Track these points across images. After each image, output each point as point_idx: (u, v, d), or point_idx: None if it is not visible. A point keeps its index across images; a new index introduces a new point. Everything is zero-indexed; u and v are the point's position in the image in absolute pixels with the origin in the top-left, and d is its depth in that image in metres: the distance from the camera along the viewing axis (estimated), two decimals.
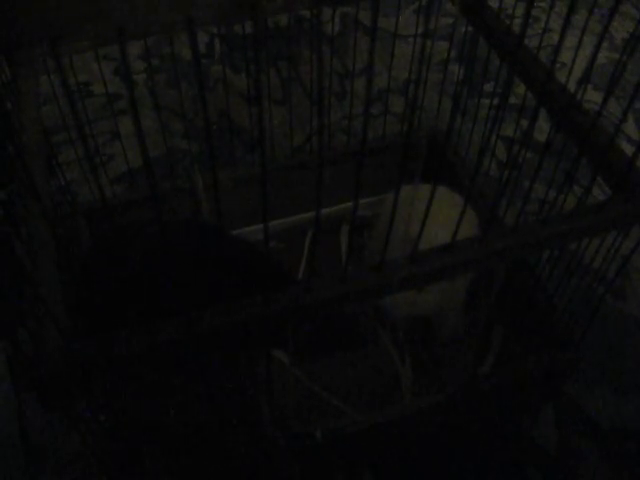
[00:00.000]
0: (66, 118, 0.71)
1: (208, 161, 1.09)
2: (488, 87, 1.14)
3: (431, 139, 0.89)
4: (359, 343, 0.76)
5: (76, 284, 0.64)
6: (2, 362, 0.80)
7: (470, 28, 0.72)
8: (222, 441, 0.66)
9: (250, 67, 1.14)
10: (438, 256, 0.47)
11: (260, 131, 0.34)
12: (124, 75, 1.20)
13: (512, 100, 1.14)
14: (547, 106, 0.61)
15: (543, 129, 1.12)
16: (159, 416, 0.66)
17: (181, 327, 0.43)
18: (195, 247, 0.67)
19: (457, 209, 0.47)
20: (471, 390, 0.66)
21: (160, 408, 0.66)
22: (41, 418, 0.77)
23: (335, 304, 0.46)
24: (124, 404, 0.53)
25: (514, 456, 0.76)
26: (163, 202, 0.84)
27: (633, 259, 0.94)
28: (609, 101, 0.45)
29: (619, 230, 0.55)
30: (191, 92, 1.20)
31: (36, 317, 0.44)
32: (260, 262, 0.71)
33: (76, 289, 0.63)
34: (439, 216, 0.57)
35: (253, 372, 0.71)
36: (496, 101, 0.66)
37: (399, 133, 0.91)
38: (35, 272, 0.50)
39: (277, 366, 0.70)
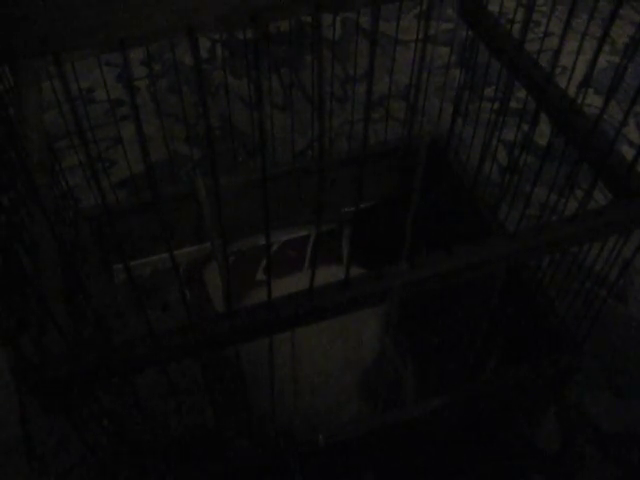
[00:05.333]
0: (68, 124, 0.71)
1: (210, 166, 1.09)
2: (489, 91, 1.15)
3: (432, 143, 0.89)
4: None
5: None
6: (5, 367, 0.80)
7: (470, 33, 0.72)
8: (225, 445, 0.66)
9: (251, 72, 1.14)
10: (439, 261, 0.47)
11: (261, 136, 0.34)
12: (126, 81, 1.21)
13: (513, 104, 1.15)
14: (548, 110, 0.61)
15: (544, 133, 1.12)
16: (162, 420, 0.66)
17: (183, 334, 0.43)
18: None
19: None
20: (473, 393, 0.66)
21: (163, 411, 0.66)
22: (44, 423, 0.77)
23: (337, 311, 0.46)
24: (127, 409, 0.53)
25: (516, 459, 0.76)
26: (165, 207, 0.84)
27: (634, 262, 0.94)
28: (610, 105, 0.45)
29: (620, 234, 0.55)
30: (193, 97, 1.20)
31: (39, 322, 0.45)
32: None
33: None
34: None
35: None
36: (497, 105, 0.66)
37: (400, 138, 0.91)
38: (38, 277, 0.50)
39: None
